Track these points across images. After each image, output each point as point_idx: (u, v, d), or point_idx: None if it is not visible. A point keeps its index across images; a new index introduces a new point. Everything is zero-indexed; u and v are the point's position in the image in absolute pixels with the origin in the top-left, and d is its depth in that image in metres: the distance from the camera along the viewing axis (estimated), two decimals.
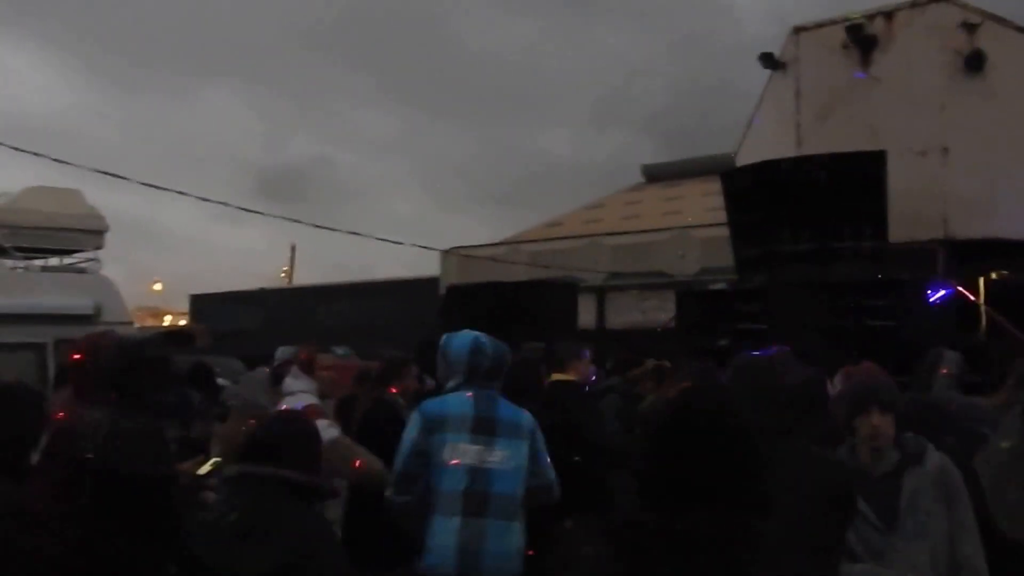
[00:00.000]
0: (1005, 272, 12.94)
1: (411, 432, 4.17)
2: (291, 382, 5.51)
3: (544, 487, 4.27)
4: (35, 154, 10.10)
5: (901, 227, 11.95)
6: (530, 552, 4.25)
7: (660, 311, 16.70)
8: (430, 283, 24.86)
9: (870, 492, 3.60)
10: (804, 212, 11.91)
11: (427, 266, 25.84)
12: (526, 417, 4.29)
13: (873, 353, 9.52)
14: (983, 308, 12.77)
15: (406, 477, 4.13)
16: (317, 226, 16.49)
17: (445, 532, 3.96)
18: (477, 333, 4.42)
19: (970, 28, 13.42)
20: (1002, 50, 13.31)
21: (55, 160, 10.25)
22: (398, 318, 29.19)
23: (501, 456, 4.10)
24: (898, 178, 11.64)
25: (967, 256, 12.80)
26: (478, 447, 4.07)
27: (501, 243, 24.18)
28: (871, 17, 14.35)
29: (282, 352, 7.41)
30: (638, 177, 29.96)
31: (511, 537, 4.08)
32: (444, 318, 13.87)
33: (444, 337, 4.51)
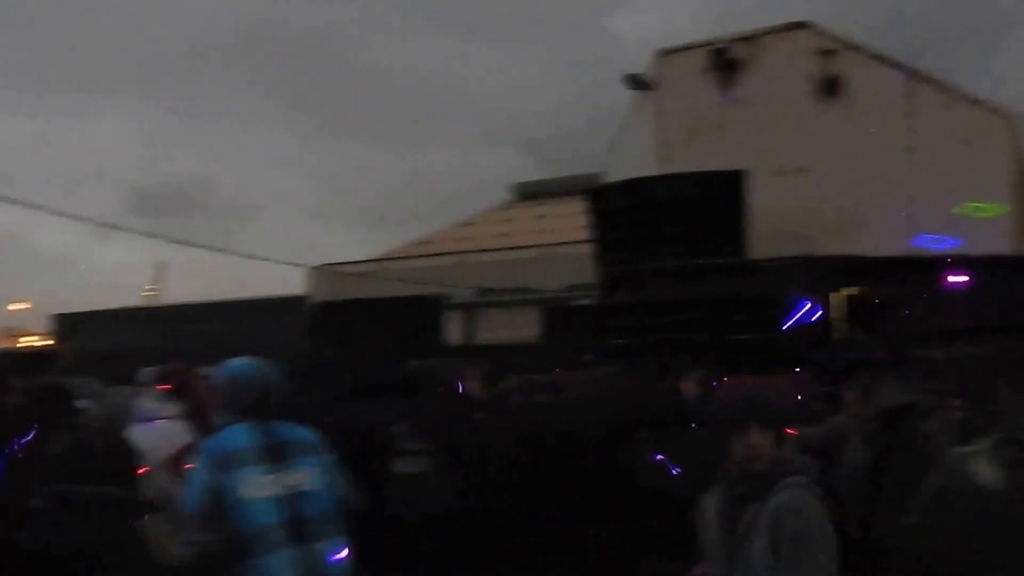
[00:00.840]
0: (860, 287, 13.17)
1: (200, 472, 3.81)
2: (149, 405, 5.10)
3: (347, 497, 4.02)
4: None
5: (764, 244, 12.03)
6: None
7: (527, 327, 16.48)
8: (300, 300, 24.21)
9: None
10: (668, 229, 11.89)
11: (301, 284, 25.15)
12: (311, 434, 4.01)
13: (737, 367, 9.59)
14: (839, 323, 12.97)
15: (205, 515, 3.76)
16: (178, 242, 15.65)
17: (280, 567, 3.68)
18: (244, 361, 4.10)
19: (827, 54, 13.68)
20: (858, 75, 13.61)
21: None
22: (268, 336, 28.38)
23: (304, 477, 3.85)
24: (761, 196, 11.71)
25: (827, 272, 12.96)
26: (274, 476, 3.79)
27: (371, 260, 23.70)
28: (734, 42, 14.49)
29: (146, 373, 7.05)
30: (509, 196, 29.91)
31: (341, 559, 3.84)
32: (313, 335, 13.49)
33: (215, 370, 4.17)
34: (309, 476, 3.86)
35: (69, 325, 39.53)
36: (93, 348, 29.99)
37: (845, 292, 13.29)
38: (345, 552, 3.88)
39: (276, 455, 3.83)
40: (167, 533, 4.03)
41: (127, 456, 3.43)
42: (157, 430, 4.71)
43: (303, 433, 3.99)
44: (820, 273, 12.84)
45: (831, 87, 13.58)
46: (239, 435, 3.85)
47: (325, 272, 22.75)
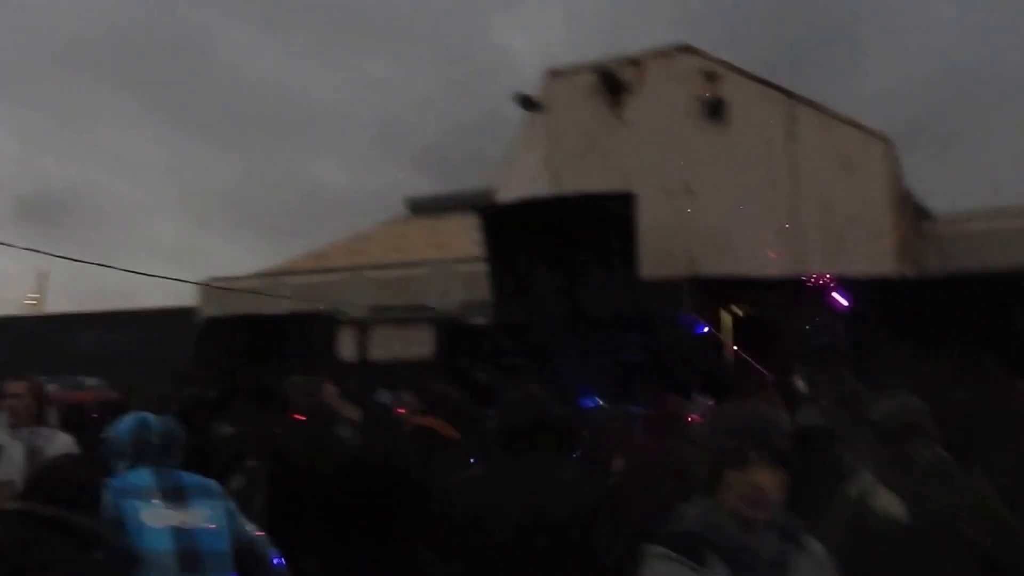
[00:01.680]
0: (745, 307, 13.40)
1: (104, 498, 3.74)
2: None
3: (250, 544, 4.06)
4: None
5: (651, 263, 12.10)
6: None
7: (422, 344, 16.33)
8: (187, 313, 23.57)
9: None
10: (558, 248, 11.89)
11: (190, 295, 24.46)
12: (213, 482, 4.07)
13: (627, 385, 9.63)
14: (726, 341, 13.16)
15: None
16: (63, 257, 15.05)
17: None
18: (144, 415, 4.15)
19: (711, 77, 13.92)
20: (740, 98, 13.87)
21: None
22: (154, 348, 27.53)
23: (201, 516, 3.89)
24: (648, 216, 11.80)
25: (711, 292, 13.14)
26: (173, 511, 3.85)
27: (262, 274, 23.19)
28: (621, 63, 14.62)
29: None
30: (403, 210, 29.64)
31: None
32: (201, 349, 13.11)
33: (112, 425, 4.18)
34: (206, 515, 3.89)
35: None
36: None
37: (730, 311, 13.52)
38: None
39: (174, 495, 3.87)
40: None
41: None
42: None
43: (204, 481, 4.02)
44: (707, 292, 13.02)
45: (714, 109, 13.82)
46: (142, 476, 3.90)
47: (214, 286, 22.21)
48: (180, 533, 3.82)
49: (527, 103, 15.43)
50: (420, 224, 27.22)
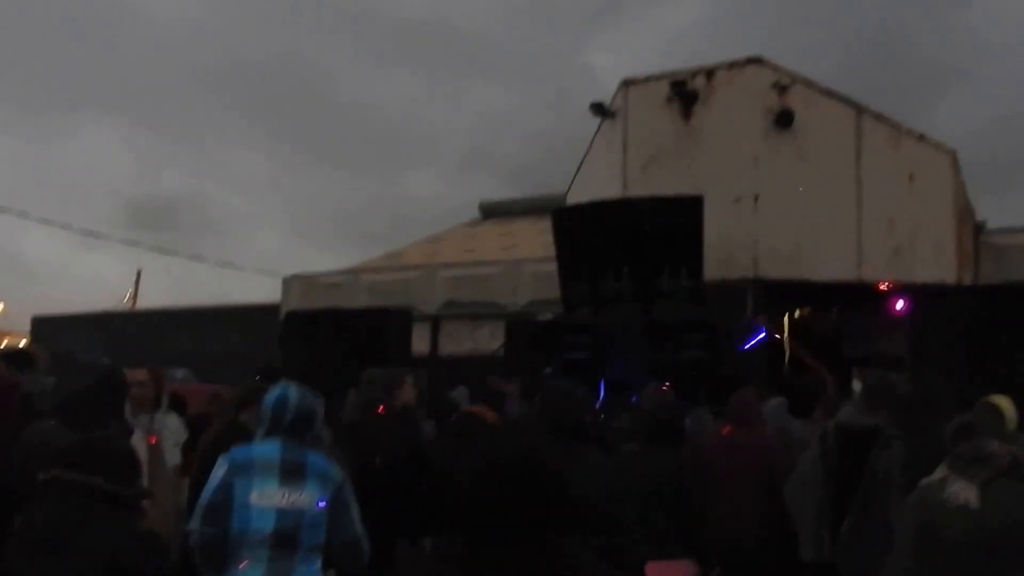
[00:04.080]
0: (807, 310, 13.21)
1: (218, 472, 4.01)
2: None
3: (350, 541, 4.12)
4: None
5: (716, 268, 11.99)
6: None
7: (491, 340, 16.34)
8: (272, 309, 23.86)
9: None
10: (627, 251, 11.83)
11: (277, 295, 24.76)
12: (335, 469, 4.16)
13: (689, 384, 9.54)
14: (787, 343, 12.98)
15: (212, 509, 3.93)
16: (156, 250, 15.48)
17: (254, 570, 3.85)
18: (289, 386, 4.21)
19: (781, 88, 13.73)
20: (809, 110, 13.66)
21: None
22: (240, 343, 27.97)
23: (310, 499, 3.99)
24: (714, 223, 11.65)
25: (774, 296, 12.97)
26: (286, 490, 3.96)
27: (342, 271, 23.43)
28: (694, 74, 14.51)
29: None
30: (477, 214, 29.71)
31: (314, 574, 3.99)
32: (284, 344, 13.26)
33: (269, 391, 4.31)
34: (314, 498, 3.98)
35: (46, 327, 38.84)
36: (69, 350, 29.43)
37: (791, 314, 13.33)
38: (319, 575, 4.00)
39: (294, 473, 3.98)
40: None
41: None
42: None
43: (327, 464, 4.12)
44: (770, 297, 12.84)
45: (783, 120, 13.62)
46: (267, 449, 4.03)
47: (297, 281, 22.49)
48: (283, 514, 3.91)
49: (601, 111, 15.41)
50: (491, 227, 27.28)
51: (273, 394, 4.18)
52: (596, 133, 16.45)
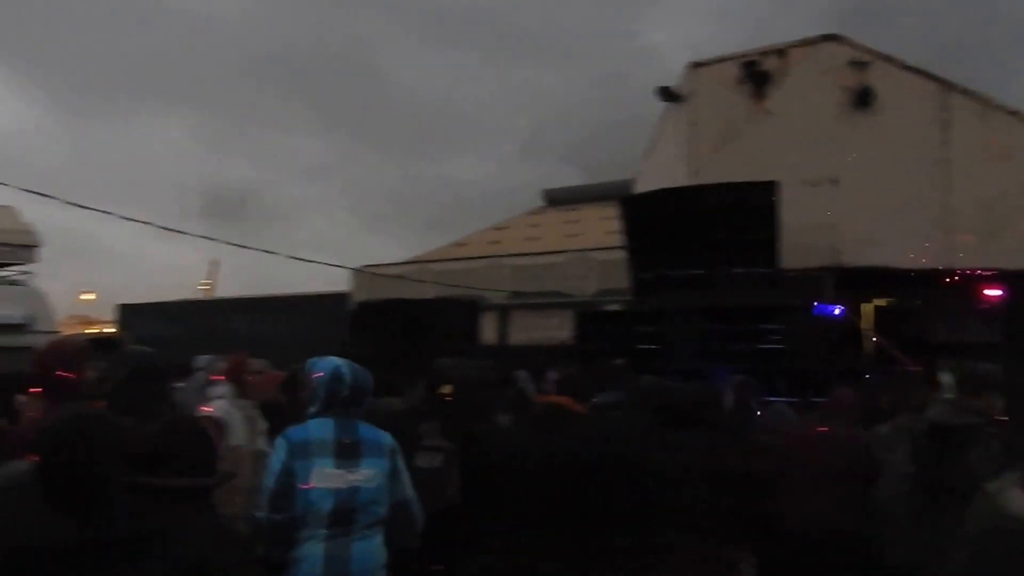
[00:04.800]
0: (889, 299, 12.60)
1: (278, 455, 4.08)
2: (212, 388, 5.55)
3: (402, 503, 4.19)
4: None
5: (793, 255, 11.47)
6: (440, 567, 4.57)
7: (560, 330, 16.05)
8: (341, 298, 24.01)
9: None
10: (698, 238, 11.44)
11: (345, 283, 24.92)
12: (387, 437, 4.24)
13: (764, 375, 9.09)
14: (868, 333, 12.40)
15: (277, 495, 4.02)
16: (231, 244, 15.52)
17: (313, 547, 3.95)
18: (340, 361, 4.27)
19: (859, 66, 13.04)
20: (890, 87, 12.96)
21: None
22: (311, 331, 28.21)
23: (365, 475, 4.06)
24: (790, 208, 11.15)
25: (854, 283, 12.38)
26: (342, 469, 4.02)
27: (409, 262, 23.33)
28: (765, 54, 13.89)
29: (200, 360, 7.61)
30: (540, 201, 29.42)
31: (374, 551, 4.08)
32: (354, 332, 13.25)
33: (309, 362, 4.36)
34: (370, 475, 4.05)
35: (130, 315, 40.13)
36: (151, 337, 30.02)
37: (872, 303, 12.71)
38: (380, 552, 4.09)
39: (347, 451, 4.04)
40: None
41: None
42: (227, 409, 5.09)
43: (379, 435, 4.21)
44: (850, 284, 12.28)
45: (862, 99, 12.93)
46: (321, 427, 4.09)
47: (365, 271, 22.50)
48: (340, 493, 3.99)
49: (668, 95, 14.86)
50: (555, 215, 26.99)
51: (327, 371, 4.21)
52: (663, 117, 15.95)
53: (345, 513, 4.03)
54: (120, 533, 2.71)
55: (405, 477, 4.24)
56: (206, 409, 4.93)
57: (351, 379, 4.23)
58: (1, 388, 5.52)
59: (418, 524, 4.25)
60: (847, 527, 5.43)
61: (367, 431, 4.20)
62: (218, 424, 4.68)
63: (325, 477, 4.01)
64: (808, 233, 12.18)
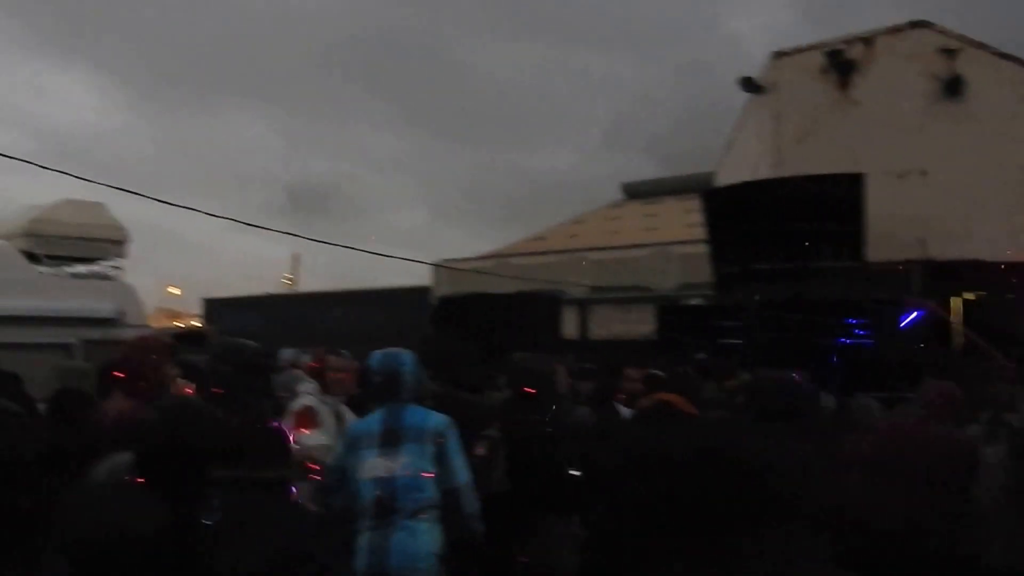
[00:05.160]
0: (980, 292, 12.26)
1: (337, 450, 4.28)
2: (300, 384, 5.51)
3: (451, 490, 4.07)
4: (59, 171, 9.88)
5: (879, 247, 11.27)
6: (524, 559, 4.66)
7: (641, 324, 15.99)
8: (423, 291, 24.21)
9: None
10: (783, 232, 11.27)
11: (425, 276, 25.16)
12: (433, 421, 4.14)
13: (850, 370, 8.94)
14: (957, 327, 12.10)
15: (328, 489, 4.19)
16: (313, 240, 15.85)
17: (361, 539, 3.97)
18: (378, 352, 4.35)
19: (949, 53, 12.71)
20: (981, 75, 12.61)
21: (76, 177, 10.10)
22: (393, 324, 28.49)
23: (403, 462, 4.02)
24: (876, 199, 10.94)
25: (943, 276, 12.08)
26: (385, 458, 4.03)
27: (488, 256, 23.45)
28: (850, 43, 13.63)
29: (285, 354, 7.63)
30: (619, 194, 29.26)
31: (417, 539, 3.98)
32: (436, 326, 13.39)
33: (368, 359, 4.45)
34: (409, 461, 4.00)
35: (215, 309, 40.81)
36: (235, 330, 30.73)
37: (962, 296, 12.39)
38: (424, 539, 3.98)
39: (390, 439, 4.04)
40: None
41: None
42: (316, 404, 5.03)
43: (424, 420, 4.11)
44: (938, 277, 11.99)
45: (952, 87, 12.60)
46: (372, 419, 4.15)
47: (446, 266, 22.66)
48: (381, 483, 3.99)
49: (750, 86, 14.69)
50: (634, 208, 26.80)
51: (365, 364, 4.33)
52: (745, 108, 15.75)
53: (386, 502, 4.01)
54: (211, 520, 2.81)
55: (454, 463, 4.10)
56: (303, 403, 4.96)
57: (379, 366, 4.25)
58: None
59: (466, 512, 4.11)
60: (943, 527, 5.32)
61: (414, 416, 4.15)
62: (312, 417, 4.76)
63: (370, 468, 4.03)
64: (895, 225, 11.93)
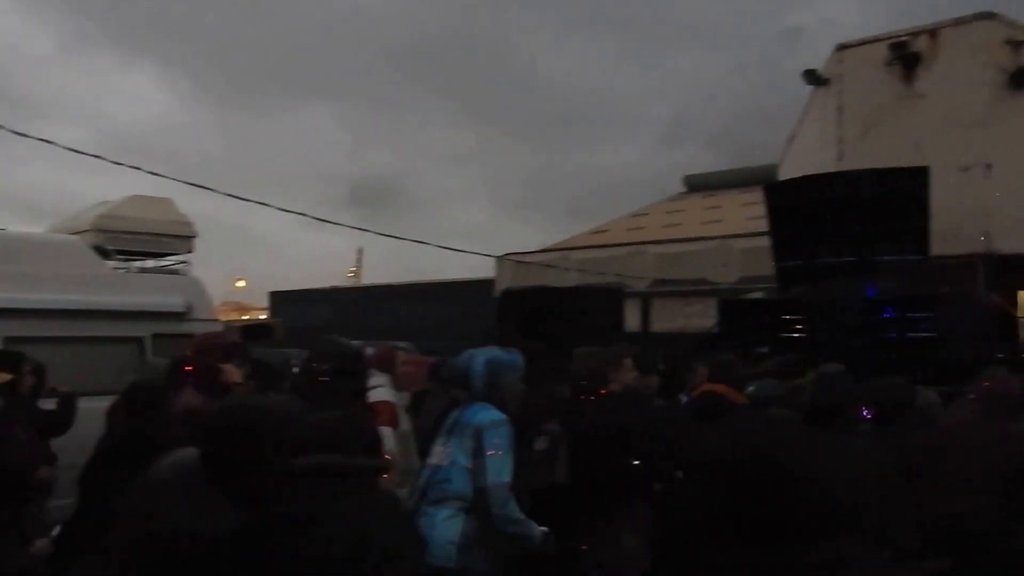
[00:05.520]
0: None
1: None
2: (370, 377, 5.35)
3: (479, 488, 3.99)
4: (133, 167, 10.25)
5: (942, 241, 11.16)
6: (585, 548, 4.72)
7: (702, 317, 15.99)
8: (486, 284, 24.37)
9: None
10: (846, 226, 11.20)
11: (489, 269, 25.27)
12: (479, 417, 4.10)
13: (914, 365, 8.92)
14: (1022, 321, 11.96)
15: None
16: (381, 234, 16.15)
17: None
18: (466, 352, 4.38)
19: (1015, 45, 12.53)
20: None
21: (149, 172, 10.47)
22: (456, 317, 28.81)
23: (447, 453, 4.10)
24: (940, 193, 10.83)
25: (1007, 270, 11.95)
26: (440, 447, 4.15)
27: (551, 249, 23.57)
28: (915, 35, 13.51)
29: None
30: (680, 187, 29.12)
31: (435, 526, 3.97)
32: (499, 319, 13.51)
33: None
34: (449, 453, 4.07)
35: (280, 302, 41.39)
36: (300, 324, 31.34)
37: None
38: (449, 529, 3.95)
39: (450, 431, 4.13)
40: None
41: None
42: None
43: (475, 416, 4.11)
44: (1002, 272, 11.87)
45: (1017, 80, 12.43)
46: (452, 413, 4.23)
47: (509, 260, 22.81)
48: (429, 469, 4.16)
49: (814, 78, 14.63)
50: (695, 201, 26.67)
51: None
52: (808, 101, 15.68)
53: (423, 489, 4.14)
54: (283, 515, 2.80)
55: (485, 462, 4.01)
56: (381, 398, 5.00)
57: (457, 364, 4.35)
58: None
59: (492, 512, 3.97)
60: (1012, 528, 5.27)
61: (473, 411, 4.16)
62: (393, 411, 4.82)
63: (431, 455, 4.21)
64: (959, 219, 11.82)
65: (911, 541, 4.95)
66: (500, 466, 3.98)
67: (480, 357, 4.27)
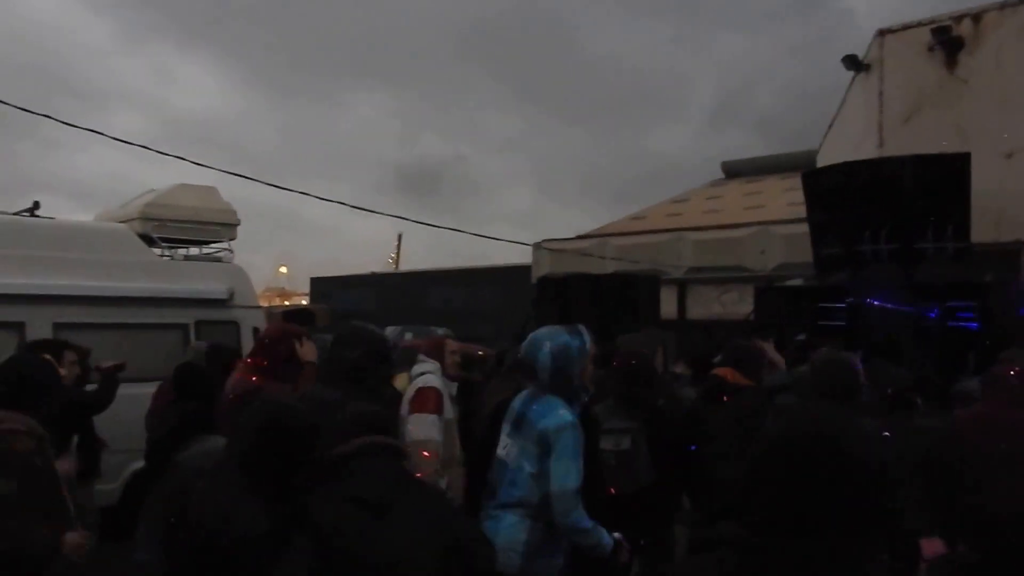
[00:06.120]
0: None
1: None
2: (419, 363, 5.25)
3: (545, 495, 3.81)
4: (177, 157, 10.49)
5: (985, 228, 10.99)
6: (643, 542, 4.53)
7: (740, 304, 15.88)
8: (523, 270, 24.37)
9: None
10: (886, 212, 11.05)
11: (529, 255, 25.19)
12: (544, 423, 3.86)
13: (957, 353, 8.80)
14: None
15: (476, 464, 4.31)
16: (418, 222, 16.27)
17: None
18: (532, 334, 4.18)
19: None
20: None
21: (192, 162, 10.72)
22: (495, 303, 28.89)
23: (512, 451, 3.95)
24: (983, 180, 10.65)
25: None
26: (507, 439, 4.01)
27: (587, 236, 23.49)
28: (958, 19, 13.26)
29: (389, 332, 7.34)
30: (720, 173, 28.84)
31: (499, 531, 3.80)
32: (537, 306, 13.53)
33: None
34: (515, 452, 3.92)
35: (323, 288, 41.67)
36: (341, 309, 31.58)
37: None
38: (508, 531, 3.82)
39: (517, 424, 3.97)
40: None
41: None
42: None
43: (541, 415, 3.91)
44: None
45: None
46: (517, 400, 4.09)
47: (547, 246, 22.78)
48: (497, 464, 4.03)
49: (854, 64, 14.44)
50: (735, 187, 26.41)
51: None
52: (849, 87, 15.48)
53: (492, 486, 3.98)
54: (355, 498, 2.77)
55: (552, 469, 3.81)
56: (429, 384, 4.82)
57: (523, 349, 4.17)
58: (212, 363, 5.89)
59: (557, 521, 3.80)
60: None
61: (539, 408, 3.96)
62: (439, 398, 4.67)
63: (500, 445, 4.04)
64: (1003, 205, 11.64)
65: (916, 520, 4.95)
66: (565, 472, 3.78)
67: (545, 348, 4.03)
